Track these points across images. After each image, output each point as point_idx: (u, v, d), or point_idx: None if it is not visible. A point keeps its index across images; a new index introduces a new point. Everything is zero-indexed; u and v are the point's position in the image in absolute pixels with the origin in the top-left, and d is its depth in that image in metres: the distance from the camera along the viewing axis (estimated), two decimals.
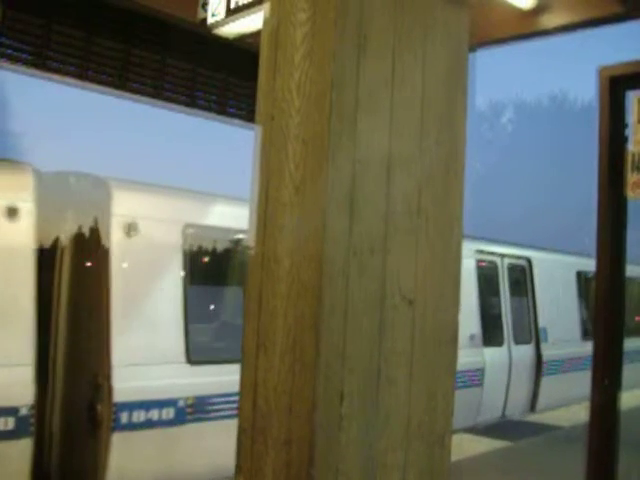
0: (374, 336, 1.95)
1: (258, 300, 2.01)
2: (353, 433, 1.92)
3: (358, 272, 1.90)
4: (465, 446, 7.79)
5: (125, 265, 5.43)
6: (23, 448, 4.89)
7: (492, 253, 10.18)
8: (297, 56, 1.97)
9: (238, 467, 2.07)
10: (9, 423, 4.81)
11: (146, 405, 5.31)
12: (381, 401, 1.98)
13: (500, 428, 8.98)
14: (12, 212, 5.01)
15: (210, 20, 3.94)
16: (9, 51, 5.17)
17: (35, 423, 4.97)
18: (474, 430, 8.67)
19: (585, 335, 10.53)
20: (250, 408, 2.02)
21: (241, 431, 2.06)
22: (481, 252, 9.59)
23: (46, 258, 5.43)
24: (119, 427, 5.23)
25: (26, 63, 5.23)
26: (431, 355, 2.11)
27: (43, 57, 5.26)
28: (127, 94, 5.63)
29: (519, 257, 10.48)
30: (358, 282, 1.91)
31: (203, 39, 5.11)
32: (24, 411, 4.86)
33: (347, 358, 1.89)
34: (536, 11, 4.04)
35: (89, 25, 5.53)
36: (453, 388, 2.19)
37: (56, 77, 5.35)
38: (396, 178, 2.00)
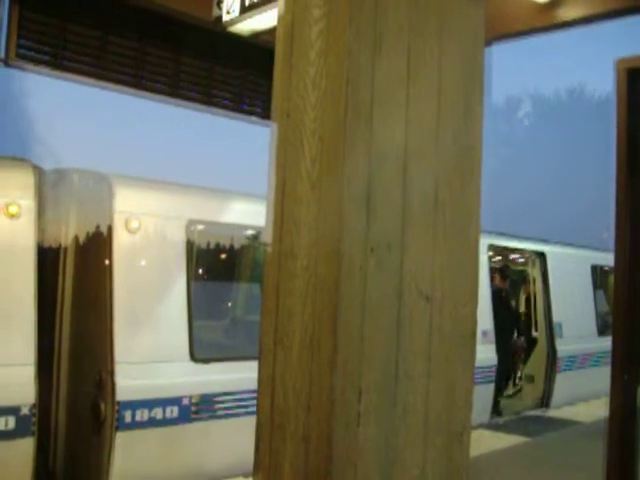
0: (392, 332, 1.95)
1: (275, 297, 2.01)
2: (371, 429, 1.92)
3: (375, 268, 1.90)
4: (484, 442, 7.78)
5: (128, 262, 5.43)
6: (25, 448, 4.91)
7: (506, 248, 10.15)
8: (312, 52, 1.96)
9: (257, 463, 2.08)
10: (9, 423, 4.84)
11: (150, 403, 5.32)
12: (399, 397, 1.98)
13: (518, 424, 8.94)
14: (13, 209, 5.01)
15: (225, 18, 3.95)
16: (26, 51, 5.21)
17: (37, 422, 4.99)
18: (492, 426, 8.65)
19: (602, 330, 10.44)
20: (268, 405, 2.03)
21: (259, 427, 2.07)
22: (494, 247, 9.56)
23: (48, 256, 5.45)
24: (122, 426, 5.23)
25: (43, 63, 5.27)
26: (449, 351, 2.10)
27: (59, 57, 5.30)
28: (143, 92, 5.66)
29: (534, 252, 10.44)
30: (375, 278, 1.90)
31: (218, 37, 5.12)
32: (25, 410, 4.89)
33: (365, 354, 1.89)
34: (553, 4, 4.01)
35: (105, 25, 5.57)
36: (472, 384, 2.18)
37: (73, 76, 5.38)
38: (413, 174, 1.99)
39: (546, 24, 4.27)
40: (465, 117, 2.13)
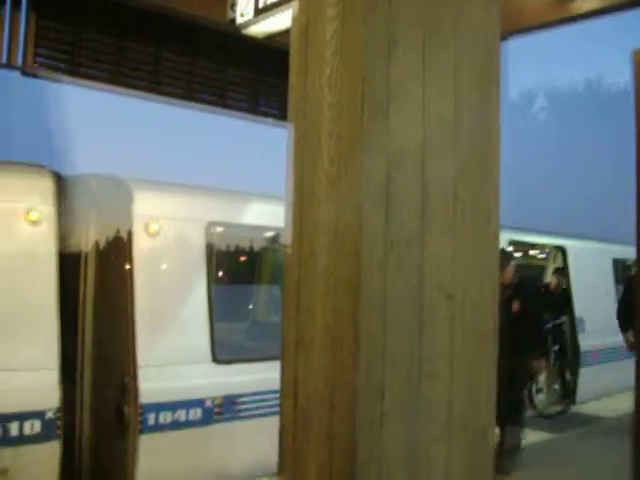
0: (413, 330, 1.94)
1: (296, 297, 2.01)
2: (395, 427, 1.91)
3: (395, 266, 1.89)
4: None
5: (148, 265, 5.46)
6: (51, 451, 4.97)
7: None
8: (327, 52, 1.96)
9: (281, 464, 2.08)
10: (35, 426, 4.89)
11: (172, 406, 5.35)
12: (422, 395, 1.97)
13: (543, 421, 8.89)
14: (33, 216, 5.06)
15: (239, 20, 3.96)
16: (44, 59, 5.26)
17: (62, 426, 5.03)
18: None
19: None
20: (291, 405, 2.03)
21: (282, 428, 2.07)
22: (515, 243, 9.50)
23: (69, 261, 5.49)
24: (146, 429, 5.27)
25: (60, 70, 5.32)
26: (471, 348, 2.09)
27: (76, 64, 5.34)
28: (159, 97, 5.69)
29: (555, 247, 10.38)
30: (396, 276, 1.90)
31: (233, 40, 5.14)
32: (50, 414, 4.94)
33: (387, 353, 1.89)
34: None
35: (120, 30, 5.61)
36: (494, 381, 2.17)
37: (89, 83, 5.43)
38: (431, 171, 1.98)
39: (563, 16, 4.24)
40: (482, 113, 2.12)
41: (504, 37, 2.57)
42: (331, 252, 1.90)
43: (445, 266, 2.02)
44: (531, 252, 11.28)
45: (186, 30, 5.57)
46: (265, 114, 6.25)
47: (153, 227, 5.37)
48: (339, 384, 1.88)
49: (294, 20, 2.11)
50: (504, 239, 8.79)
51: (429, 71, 1.98)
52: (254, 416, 5.68)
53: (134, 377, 5.28)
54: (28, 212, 5.05)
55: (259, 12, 3.82)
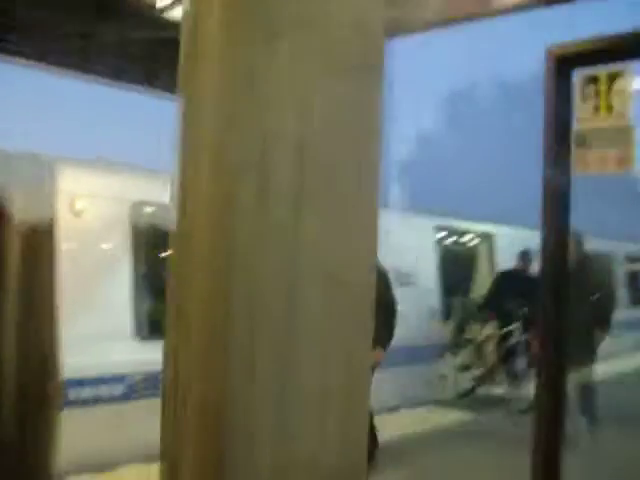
0: (285, 308, 2.05)
1: (177, 269, 2.13)
2: (265, 402, 2.02)
3: (270, 242, 2.01)
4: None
5: (71, 241, 5.47)
6: None
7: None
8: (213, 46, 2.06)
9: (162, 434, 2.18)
10: None
11: (95, 381, 5.40)
12: (294, 369, 2.08)
13: None
14: None
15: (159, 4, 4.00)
16: None
17: None
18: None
19: None
20: (172, 377, 2.14)
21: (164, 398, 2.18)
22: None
23: None
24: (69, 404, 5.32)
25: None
26: (346, 326, 2.20)
27: None
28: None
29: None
30: (271, 252, 2.01)
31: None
32: None
33: (257, 330, 2.00)
34: None
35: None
36: (368, 358, 2.29)
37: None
38: (308, 158, 2.09)
39: (481, 12, 4.36)
40: (361, 105, 2.23)
41: (397, 34, 2.67)
42: (206, 228, 2.00)
43: (321, 247, 2.13)
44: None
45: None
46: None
47: (78, 205, 5.39)
48: (212, 357, 1.99)
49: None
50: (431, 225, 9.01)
51: (307, 61, 2.08)
52: None
53: (55, 353, 5.31)
54: None
55: None
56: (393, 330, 5.84)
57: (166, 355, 2.16)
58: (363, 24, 2.22)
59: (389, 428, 7.06)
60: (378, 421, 6.23)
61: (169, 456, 2.17)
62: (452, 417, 8.22)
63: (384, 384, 7.83)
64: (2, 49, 5.46)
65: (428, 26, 4.13)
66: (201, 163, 2.05)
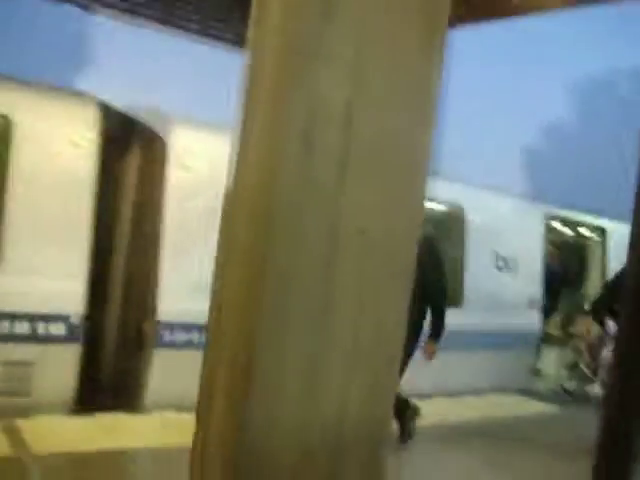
0: (323, 264, 2.13)
1: (225, 228, 2.28)
2: (296, 353, 2.13)
3: (310, 204, 2.10)
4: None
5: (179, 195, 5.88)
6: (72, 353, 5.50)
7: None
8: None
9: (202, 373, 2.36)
10: (60, 329, 5.41)
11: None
12: (326, 325, 2.18)
13: None
14: None
15: None
16: None
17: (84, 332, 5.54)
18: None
19: None
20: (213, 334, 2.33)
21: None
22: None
23: None
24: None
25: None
26: (382, 285, 2.27)
27: None
28: None
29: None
30: (310, 212, 2.11)
31: None
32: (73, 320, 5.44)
33: (294, 286, 2.10)
34: None
35: None
36: (403, 317, 2.36)
37: None
38: (358, 125, 2.17)
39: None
40: (418, 89, 2.30)
41: (461, 23, 2.65)
42: (253, 185, 2.14)
43: (364, 205, 2.20)
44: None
45: None
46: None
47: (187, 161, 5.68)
48: (248, 311, 2.13)
49: None
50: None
51: (365, 38, 2.17)
52: None
53: (154, 295, 5.75)
54: None
55: None
56: (444, 320, 5.53)
57: (211, 302, 2.32)
58: (424, 13, 2.28)
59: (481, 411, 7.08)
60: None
61: (205, 393, 2.32)
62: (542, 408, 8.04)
63: (471, 365, 7.87)
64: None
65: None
66: (257, 120, 2.17)
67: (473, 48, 28.21)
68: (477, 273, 8.34)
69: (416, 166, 2.35)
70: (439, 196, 7.42)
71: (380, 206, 2.26)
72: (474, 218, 8.41)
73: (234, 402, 2.16)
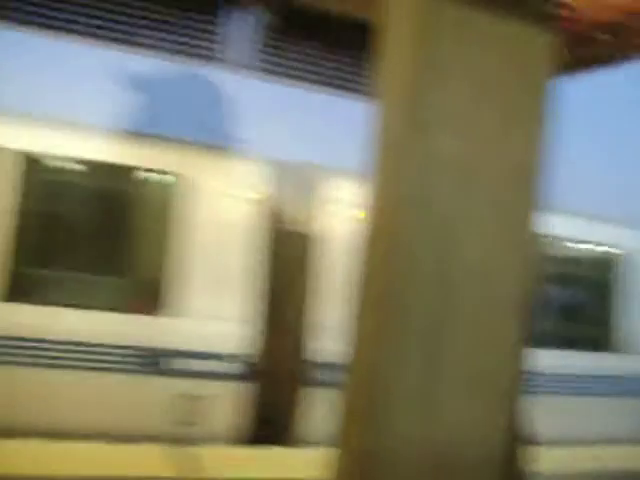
0: (439, 298, 2.43)
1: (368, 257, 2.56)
2: (414, 377, 2.41)
3: (429, 241, 2.42)
4: None
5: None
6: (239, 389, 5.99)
7: None
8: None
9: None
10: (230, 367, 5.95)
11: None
12: (444, 356, 2.45)
13: None
14: None
15: None
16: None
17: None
18: None
19: None
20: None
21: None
22: None
23: None
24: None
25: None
26: (497, 317, 2.53)
27: None
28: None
29: None
30: (429, 248, 2.41)
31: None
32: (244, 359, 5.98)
33: (411, 319, 2.41)
34: None
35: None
36: (520, 349, 2.59)
37: None
38: (472, 176, 2.47)
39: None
40: (526, 137, 2.57)
41: (567, 71, 2.84)
42: (384, 226, 2.45)
43: (481, 247, 2.49)
44: None
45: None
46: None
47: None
48: (375, 351, 2.43)
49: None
50: None
51: (475, 100, 2.47)
52: None
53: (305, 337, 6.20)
54: None
55: None
56: None
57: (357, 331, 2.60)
58: (530, 64, 2.55)
59: None
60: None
61: (343, 419, 2.57)
62: None
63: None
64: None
65: None
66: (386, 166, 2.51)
67: None
68: None
69: (528, 204, 2.60)
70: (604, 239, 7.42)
71: (494, 241, 2.52)
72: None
73: (364, 426, 2.44)
